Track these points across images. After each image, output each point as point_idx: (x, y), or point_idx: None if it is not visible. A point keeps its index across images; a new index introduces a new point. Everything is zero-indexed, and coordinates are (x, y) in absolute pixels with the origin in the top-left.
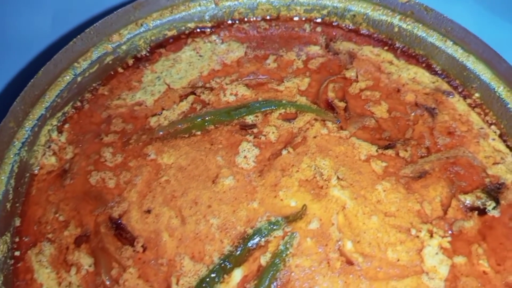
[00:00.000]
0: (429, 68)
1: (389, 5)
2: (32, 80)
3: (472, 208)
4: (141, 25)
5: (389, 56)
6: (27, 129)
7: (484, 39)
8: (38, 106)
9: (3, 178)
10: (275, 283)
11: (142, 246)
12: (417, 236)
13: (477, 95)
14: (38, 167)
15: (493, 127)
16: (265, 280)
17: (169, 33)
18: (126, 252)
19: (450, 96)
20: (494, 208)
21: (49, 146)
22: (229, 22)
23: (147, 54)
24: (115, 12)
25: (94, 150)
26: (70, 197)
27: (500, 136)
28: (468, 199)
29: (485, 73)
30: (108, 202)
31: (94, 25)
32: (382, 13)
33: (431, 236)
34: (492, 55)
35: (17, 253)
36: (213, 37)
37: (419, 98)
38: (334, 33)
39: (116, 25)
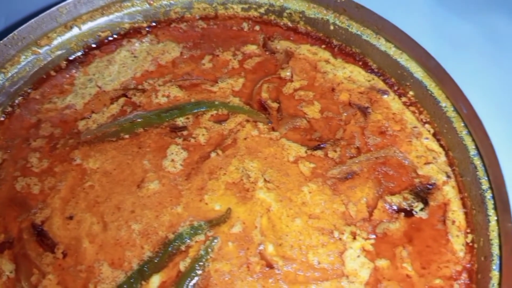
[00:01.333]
0: (365, 66)
1: (323, 3)
2: None
3: (399, 210)
4: (71, 27)
5: (326, 54)
6: None
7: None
8: None
9: None
10: None
11: (62, 252)
12: (340, 239)
13: (411, 93)
14: None
15: (427, 125)
16: (183, 286)
17: (103, 35)
18: (47, 258)
19: (385, 95)
20: (421, 209)
21: None
22: (167, 22)
23: (81, 57)
24: (39, 16)
25: (21, 155)
26: None
27: (434, 135)
28: (395, 201)
29: (417, 71)
30: (32, 208)
31: (17, 30)
32: (317, 11)
33: (354, 238)
34: (422, 52)
35: None
36: (149, 37)
37: (353, 97)
38: (272, 31)
39: (41, 29)
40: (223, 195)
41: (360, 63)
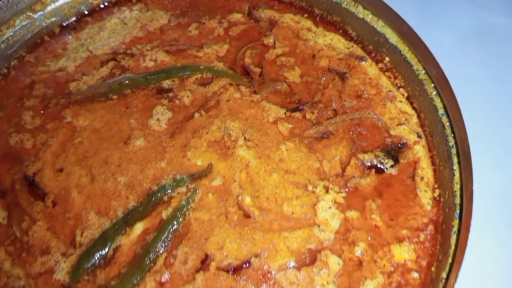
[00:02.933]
0: (345, 34)
1: None
2: None
3: (370, 167)
4: None
5: (308, 23)
6: None
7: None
8: None
9: None
10: (173, 235)
11: (52, 201)
12: (313, 192)
13: (387, 59)
14: None
15: (401, 90)
16: (164, 231)
17: (95, 2)
18: (37, 206)
19: (363, 61)
20: (391, 166)
21: None
22: None
23: (74, 23)
24: None
25: (16, 113)
26: None
27: (407, 98)
28: (367, 158)
29: (392, 37)
30: (24, 162)
31: None
32: None
33: (327, 191)
34: (395, 17)
35: None
36: (139, 5)
37: (332, 63)
38: (257, 1)
39: None
40: (205, 152)
41: (340, 31)
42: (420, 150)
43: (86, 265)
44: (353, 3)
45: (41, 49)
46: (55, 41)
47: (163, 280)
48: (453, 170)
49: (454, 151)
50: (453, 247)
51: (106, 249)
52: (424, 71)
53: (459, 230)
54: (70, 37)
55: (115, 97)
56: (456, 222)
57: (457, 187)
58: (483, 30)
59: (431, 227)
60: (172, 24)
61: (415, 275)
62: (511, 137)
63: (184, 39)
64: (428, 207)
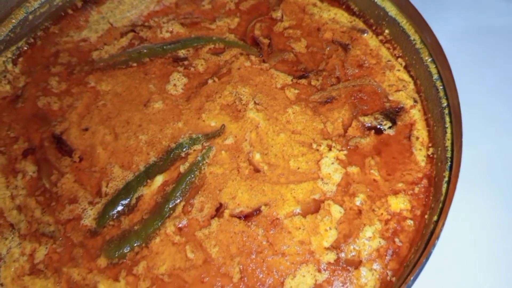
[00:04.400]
0: (348, 9)
1: None
2: None
3: (370, 128)
4: None
5: None
6: None
7: None
8: None
9: None
10: (190, 186)
11: (79, 157)
12: (317, 150)
13: (387, 31)
14: None
15: (399, 59)
16: (182, 183)
17: None
18: (65, 161)
19: (365, 34)
20: (389, 127)
21: (5, 76)
22: None
23: None
24: None
25: (43, 79)
26: (21, 118)
27: (405, 67)
28: (367, 120)
29: (391, 10)
30: (52, 122)
31: None
32: None
33: (330, 149)
34: None
35: None
36: None
37: (336, 35)
38: None
39: None
40: (218, 114)
41: (344, 6)
42: (416, 114)
43: (111, 212)
44: None
45: (64, 21)
46: (77, 14)
47: (181, 225)
48: (445, 128)
49: (446, 111)
50: (444, 194)
51: (130, 198)
52: (420, 41)
53: (449, 179)
54: (92, 10)
55: (135, 64)
56: (447, 173)
57: (448, 142)
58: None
59: (425, 181)
60: None
61: (410, 222)
62: (498, 95)
63: (198, 13)
64: (423, 164)
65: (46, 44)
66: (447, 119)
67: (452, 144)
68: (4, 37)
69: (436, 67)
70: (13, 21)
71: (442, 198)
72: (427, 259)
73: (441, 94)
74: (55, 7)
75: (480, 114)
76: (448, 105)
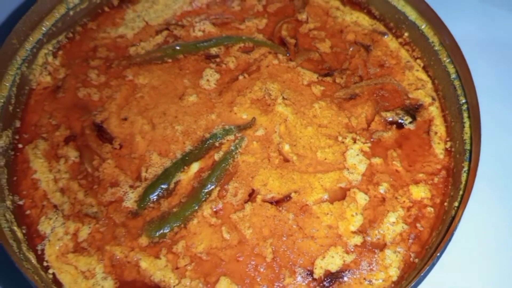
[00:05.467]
0: (369, 13)
1: None
2: (32, 7)
3: (392, 122)
4: None
5: (337, 3)
6: (27, 49)
7: None
8: (37, 31)
9: (6, 84)
10: (225, 173)
11: (119, 144)
12: (343, 142)
13: (406, 34)
14: (36, 83)
15: (418, 60)
16: (217, 170)
17: None
18: (106, 148)
19: (385, 36)
20: (410, 122)
21: (45, 67)
22: None
23: None
24: None
25: (82, 71)
26: (62, 107)
27: (424, 68)
28: (389, 115)
29: (411, 14)
30: (92, 111)
31: None
32: None
33: (354, 142)
34: None
35: (20, 145)
36: None
37: (358, 37)
38: None
39: None
40: (249, 107)
41: (365, 10)
42: (434, 111)
43: (151, 195)
44: None
45: (101, 18)
46: (113, 12)
47: (217, 208)
48: (463, 123)
49: (464, 107)
50: (463, 183)
51: (168, 183)
52: (439, 43)
53: (469, 169)
54: (127, 9)
55: (170, 60)
56: (466, 164)
57: (466, 136)
58: None
59: (443, 172)
60: (217, 0)
61: (430, 209)
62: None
63: (228, 14)
64: (441, 156)
65: (84, 39)
66: (465, 114)
67: (470, 137)
68: (47, 30)
69: (454, 67)
70: (56, 15)
71: (461, 186)
72: (450, 239)
73: (459, 92)
74: (93, 5)
75: (496, 110)
76: (466, 102)
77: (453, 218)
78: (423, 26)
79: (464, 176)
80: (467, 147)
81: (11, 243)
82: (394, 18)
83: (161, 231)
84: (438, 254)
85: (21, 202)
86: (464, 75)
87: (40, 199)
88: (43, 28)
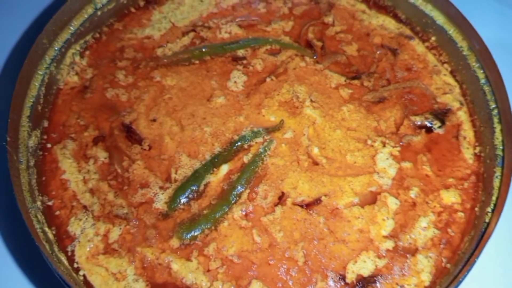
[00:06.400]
0: (395, 16)
1: None
2: (61, 7)
3: (421, 127)
4: None
5: (363, 6)
6: (56, 48)
7: None
8: (65, 30)
9: (36, 84)
10: (254, 175)
11: (148, 145)
12: (372, 145)
13: (433, 38)
14: (63, 83)
15: (445, 65)
16: (246, 172)
17: None
18: (135, 149)
19: (411, 40)
20: (439, 127)
21: (73, 67)
22: None
23: None
24: None
25: (109, 72)
26: (90, 107)
27: (451, 72)
28: (418, 119)
29: (439, 19)
30: (121, 112)
31: None
32: None
33: (384, 146)
34: (443, 1)
35: (48, 145)
36: None
37: (384, 40)
38: None
39: None
40: (277, 110)
41: (391, 14)
42: (462, 115)
43: (182, 196)
44: None
45: (128, 18)
46: (140, 12)
47: (247, 211)
48: (493, 128)
49: (494, 112)
50: (496, 188)
51: (198, 184)
52: (468, 48)
53: (502, 174)
54: (154, 10)
55: (197, 62)
56: (498, 169)
57: (497, 141)
58: None
59: (473, 177)
60: (243, 2)
61: (461, 214)
62: None
63: (254, 16)
64: (471, 161)
65: (111, 40)
66: (495, 120)
67: (502, 142)
68: (75, 30)
69: (484, 72)
70: (84, 15)
71: (494, 192)
72: (486, 242)
73: (489, 97)
74: (120, 5)
75: None
76: (496, 107)
77: (488, 223)
78: (452, 30)
79: (496, 182)
80: (499, 152)
81: (44, 244)
82: (421, 22)
83: (192, 233)
84: (475, 260)
85: (50, 203)
86: (494, 80)
87: (70, 199)
88: (71, 28)
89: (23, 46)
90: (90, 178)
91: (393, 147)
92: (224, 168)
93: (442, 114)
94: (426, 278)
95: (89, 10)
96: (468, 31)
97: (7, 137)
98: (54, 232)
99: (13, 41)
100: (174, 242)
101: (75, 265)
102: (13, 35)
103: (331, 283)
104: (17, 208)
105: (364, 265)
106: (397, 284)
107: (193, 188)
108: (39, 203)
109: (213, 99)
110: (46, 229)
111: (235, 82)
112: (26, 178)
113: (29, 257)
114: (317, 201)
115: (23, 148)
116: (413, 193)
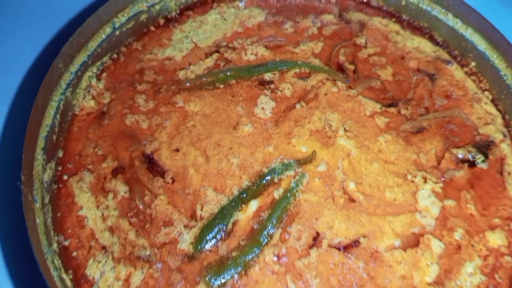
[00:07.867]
0: (431, 39)
1: None
2: (79, 29)
3: (463, 160)
4: None
5: (396, 27)
6: (72, 72)
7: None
8: (82, 52)
9: (51, 112)
10: (286, 213)
11: (171, 178)
12: (413, 181)
13: (473, 64)
14: (79, 108)
15: (486, 92)
16: (278, 210)
17: None
18: (157, 182)
19: (449, 65)
20: (483, 161)
21: (89, 91)
22: None
23: (177, 16)
24: None
25: (129, 96)
26: (108, 135)
27: (492, 100)
28: (460, 152)
29: (481, 44)
30: (142, 141)
31: None
32: None
33: (425, 181)
34: (488, 26)
35: (65, 177)
36: (237, 2)
37: (421, 65)
38: (347, 4)
39: None
40: (308, 140)
41: (427, 36)
42: (506, 148)
43: (208, 236)
44: (443, 10)
45: (147, 38)
46: (159, 31)
47: (280, 253)
48: None
49: None
50: None
51: (226, 223)
52: None
53: None
54: (174, 28)
55: (222, 86)
56: None
57: None
58: None
59: None
60: (269, 21)
61: (508, 258)
62: None
63: (281, 36)
64: None
65: (130, 61)
66: None
67: None
68: (92, 51)
69: None
70: (102, 36)
71: None
72: None
73: None
74: (139, 24)
75: None
76: None
77: None
78: (495, 56)
79: None
80: None
81: None
82: (459, 46)
83: (221, 278)
84: None
85: (66, 243)
86: None
87: (87, 238)
88: (89, 50)
89: (37, 71)
90: (109, 215)
91: (435, 183)
92: (253, 205)
93: (485, 147)
94: None
95: (107, 30)
96: None
97: (21, 176)
98: (71, 277)
99: (27, 66)
100: None
101: None
102: (26, 60)
103: None
104: (31, 251)
105: None
106: None
107: (221, 227)
108: (55, 245)
109: (239, 127)
110: (64, 275)
111: (262, 108)
112: (41, 218)
113: None
114: (355, 243)
115: (38, 184)
116: (457, 234)
